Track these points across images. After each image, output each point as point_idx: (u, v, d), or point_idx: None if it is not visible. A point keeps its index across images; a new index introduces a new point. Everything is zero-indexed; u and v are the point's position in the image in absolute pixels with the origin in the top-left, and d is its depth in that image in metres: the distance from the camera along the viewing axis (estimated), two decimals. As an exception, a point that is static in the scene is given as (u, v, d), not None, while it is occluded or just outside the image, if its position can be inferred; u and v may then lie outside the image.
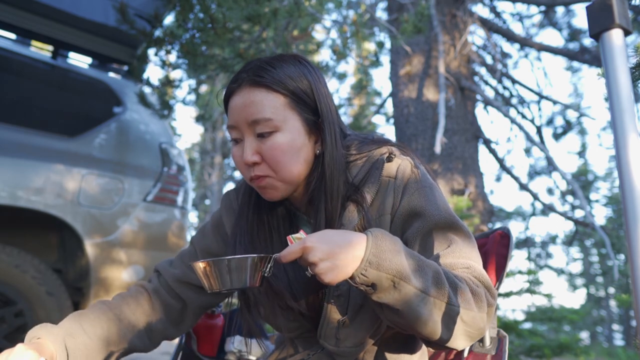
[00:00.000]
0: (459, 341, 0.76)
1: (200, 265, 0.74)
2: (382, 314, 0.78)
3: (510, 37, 4.97)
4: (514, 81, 5.12)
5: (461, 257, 0.81)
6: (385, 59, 6.85)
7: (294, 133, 0.86)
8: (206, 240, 1.06)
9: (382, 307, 0.76)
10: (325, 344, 0.91)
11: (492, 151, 4.66)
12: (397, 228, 0.88)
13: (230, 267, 0.73)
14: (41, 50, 3.12)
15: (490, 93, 5.35)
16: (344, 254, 0.69)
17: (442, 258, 0.80)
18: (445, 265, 0.79)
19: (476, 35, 4.87)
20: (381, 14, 6.04)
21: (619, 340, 19.27)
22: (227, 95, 0.90)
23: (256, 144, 0.86)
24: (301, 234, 0.77)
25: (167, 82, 2.98)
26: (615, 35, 0.60)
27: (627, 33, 0.61)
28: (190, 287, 1.03)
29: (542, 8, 5.52)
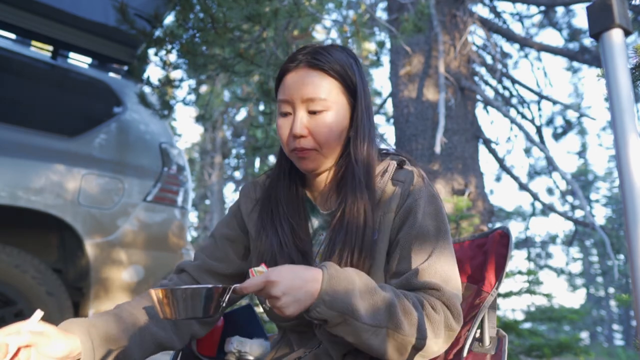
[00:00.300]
0: None
1: (157, 293, 0.73)
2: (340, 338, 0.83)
3: (510, 37, 4.97)
4: (514, 81, 5.12)
5: (436, 275, 0.85)
6: (385, 59, 6.85)
7: (341, 115, 0.94)
8: (224, 229, 1.09)
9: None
10: (323, 335, 0.92)
11: (492, 151, 4.65)
12: (395, 227, 0.92)
13: (186, 296, 0.72)
14: (41, 50, 3.12)
15: (490, 93, 5.35)
16: (303, 289, 0.75)
17: (418, 275, 0.85)
18: (417, 285, 0.85)
19: (476, 35, 4.87)
20: (381, 14, 6.05)
21: (619, 340, 19.28)
22: (282, 72, 0.97)
23: (306, 119, 0.93)
24: (262, 268, 0.80)
25: (167, 82, 2.97)
26: (615, 35, 0.60)
27: (627, 33, 0.61)
28: (212, 275, 1.04)
29: (542, 8, 5.52)
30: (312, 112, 0.93)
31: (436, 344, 0.82)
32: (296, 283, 0.75)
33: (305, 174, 1.01)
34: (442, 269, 0.86)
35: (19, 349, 0.72)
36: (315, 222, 1.02)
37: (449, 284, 0.85)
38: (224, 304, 0.76)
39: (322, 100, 0.92)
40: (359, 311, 0.77)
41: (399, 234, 0.91)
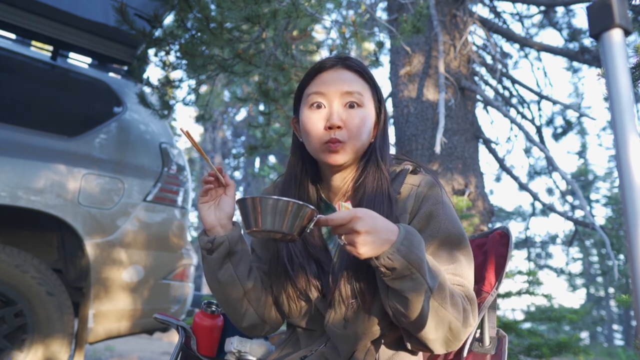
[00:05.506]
0: (438, 345, 0.86)
1: (248, 200, 0.75)
2: (386, 297, 0.84)
3: (510, 37, 4.97)
4: (514, 81, 5.12)
5: (459, 276, 0.91)
6: (385, 59, 6.83)
7: (370, 114, 1.01)
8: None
9: (389, 291, 0.83)
10: (333, 329, 0.92)
11: (492, 151, 4.65)
12: None
13: (277, 207, 0.74)
14: (41, 50, 3.12)
15: (490, 93, 5.35)
16: (384, 233, 0.78)
17: (444, 273, 0.89)
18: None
19: (476, 35, 4.87)
20: (381, 14, 6.04)
21: (619, 340, 19.29)
22: (317, 70, 1.03)
23: (342, 112, 0.98)
24: (349, 204, 0.81)
25: (167, 82, 2.97)
26: (615, 35, 0.60)
27: (627, 33, 0.61)
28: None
29: (542, 8, 5.52)
30: (349, 106, 0.98)
31: (464, 332, 0.86)
32: (378, 226, 0.78)
33: (320, 172, 1.05)
34: (465, 273, 0.92)
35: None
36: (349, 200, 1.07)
37: (469, 286, 0.92)
38: (308, 230, 0.78)
39: (359, 94, 0.99)
40: (426, 270, 0.80)
41: None
